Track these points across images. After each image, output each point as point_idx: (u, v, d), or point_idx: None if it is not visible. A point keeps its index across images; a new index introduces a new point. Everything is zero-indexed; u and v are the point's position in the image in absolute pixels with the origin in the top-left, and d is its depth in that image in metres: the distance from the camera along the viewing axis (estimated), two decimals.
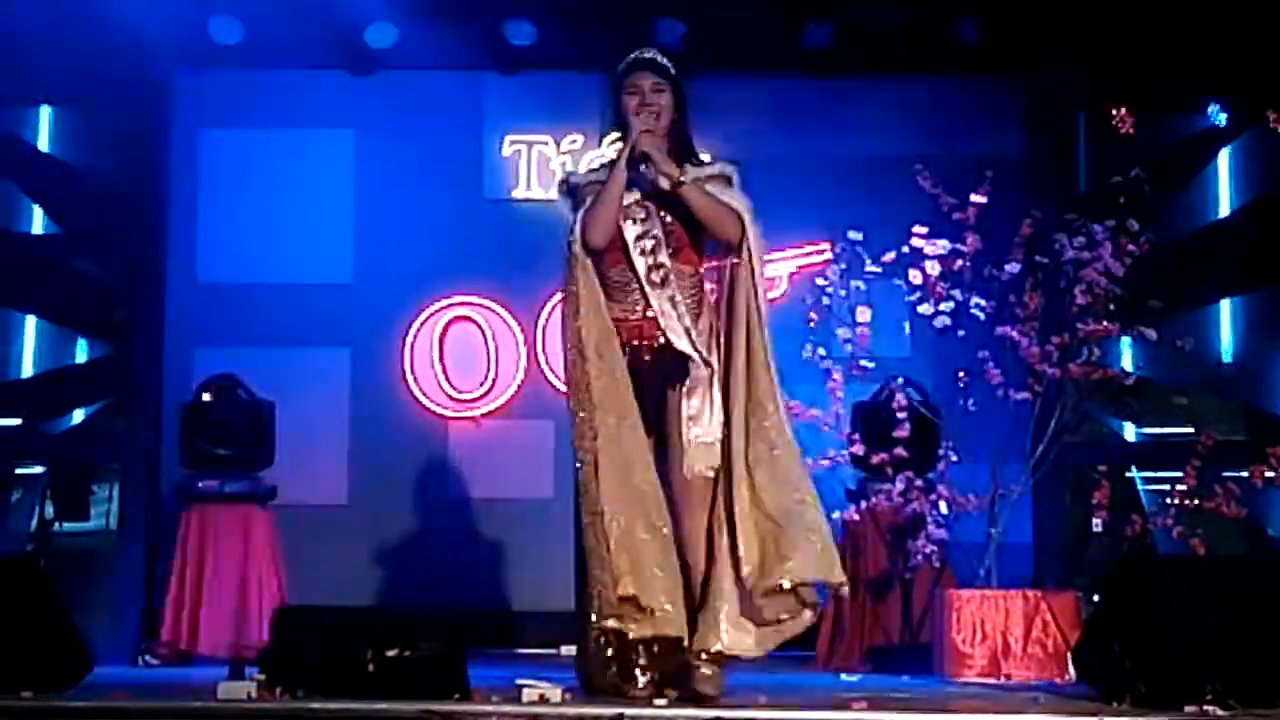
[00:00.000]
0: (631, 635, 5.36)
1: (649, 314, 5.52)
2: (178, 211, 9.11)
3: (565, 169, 8.72)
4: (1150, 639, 5.20)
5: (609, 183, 5.52)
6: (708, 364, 5.51)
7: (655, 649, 5.41)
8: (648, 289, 5.52)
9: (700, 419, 5.52)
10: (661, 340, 5.53)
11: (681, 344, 5.50)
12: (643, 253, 5.53)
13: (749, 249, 5.54)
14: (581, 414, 5.47)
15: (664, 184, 5.53)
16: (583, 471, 5.45)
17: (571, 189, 5.71)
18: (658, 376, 5.54)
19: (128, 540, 8.86)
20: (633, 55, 5.69)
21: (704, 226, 5.57)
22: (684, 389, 5.53)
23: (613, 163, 5.61)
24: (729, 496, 5.47)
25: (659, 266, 5.53)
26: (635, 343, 5.53)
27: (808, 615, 5.49)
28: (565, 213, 5.69)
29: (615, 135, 5.75)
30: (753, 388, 5.50)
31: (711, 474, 5.51)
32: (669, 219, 5.58)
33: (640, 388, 5.51)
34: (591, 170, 5.88)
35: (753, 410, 5.50)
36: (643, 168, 5.57)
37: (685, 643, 5.40)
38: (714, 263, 5.70)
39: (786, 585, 5.35)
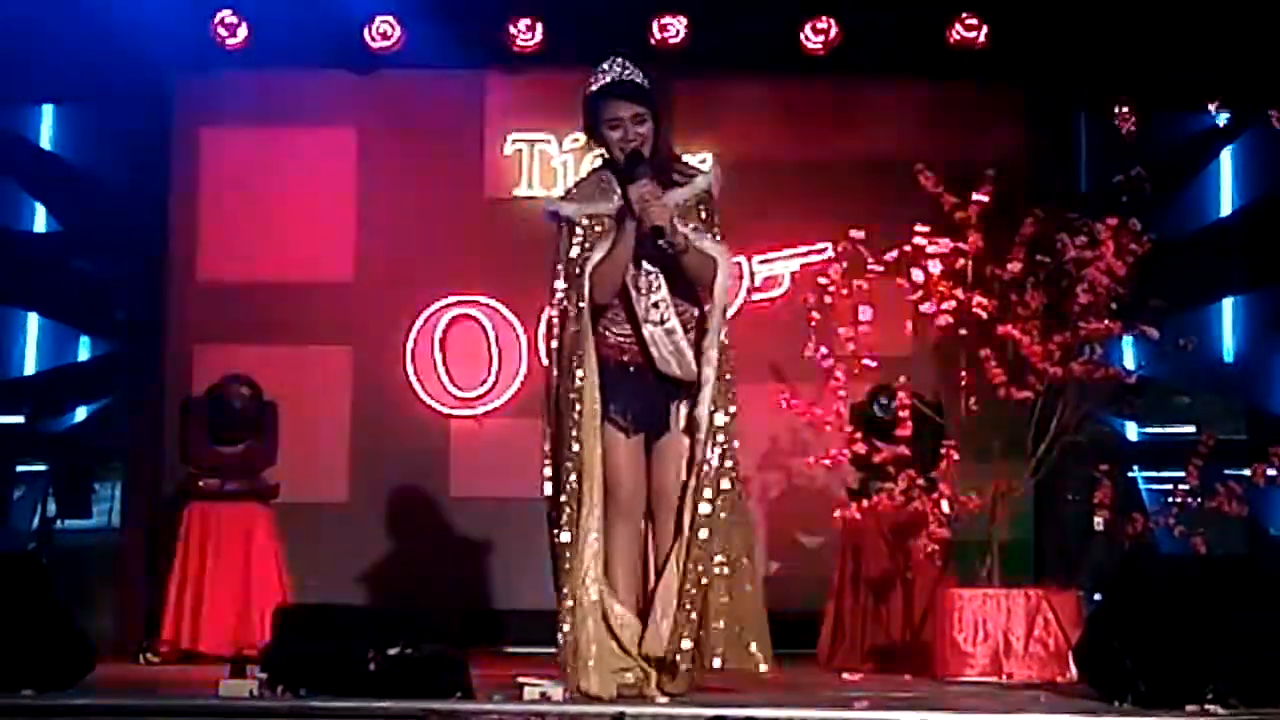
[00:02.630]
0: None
1: (644, 345, 5.49)
2: (180, 210, 9.11)
3: (565, 170, 8.73)
4: (1152, 638, 5.20)
5: (618, 245, 5.41)
6: (703, 383, 5.50)
7: None
8: (644, 327, 5.47)
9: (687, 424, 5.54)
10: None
11: (674, 373, 5.49)
12: (641, 292, 5.47)
13: (715, 292, 5.48)
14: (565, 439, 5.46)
15: (677, 247, 5.38)
16: (561, 498, 5.47)
17: (560, 220, 5.59)
18: (657, 391, 5.54)
19: (129, 538, 8.86)
20: (605, 79, 5.49)
21: (689, 279, 5.48)
22: (680, 397, 5.54)
23: (597, 172, 5.57)
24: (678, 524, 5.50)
25: (657, 305, 5.48)
26: (639, 362, 5.51)
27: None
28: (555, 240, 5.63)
29: (600, 152, 5.63)
30: (708, 427, 5.47)
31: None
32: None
33: (640, 402, 5.52)
34: (577, 194, 5.67)
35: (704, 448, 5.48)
36: (658, 242, 5.37)
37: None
38: None
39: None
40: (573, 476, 5.43)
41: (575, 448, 5.42)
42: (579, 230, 5.53)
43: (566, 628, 5.39)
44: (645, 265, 5.48)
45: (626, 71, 5.50)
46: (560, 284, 5.57)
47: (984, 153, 8.01)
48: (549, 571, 5.60)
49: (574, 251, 5.53)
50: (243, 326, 8.92)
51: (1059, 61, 8.68)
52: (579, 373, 5.43)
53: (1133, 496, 8.33)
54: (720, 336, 5.49)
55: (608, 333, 5.52)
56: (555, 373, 5.58)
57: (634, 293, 5.48)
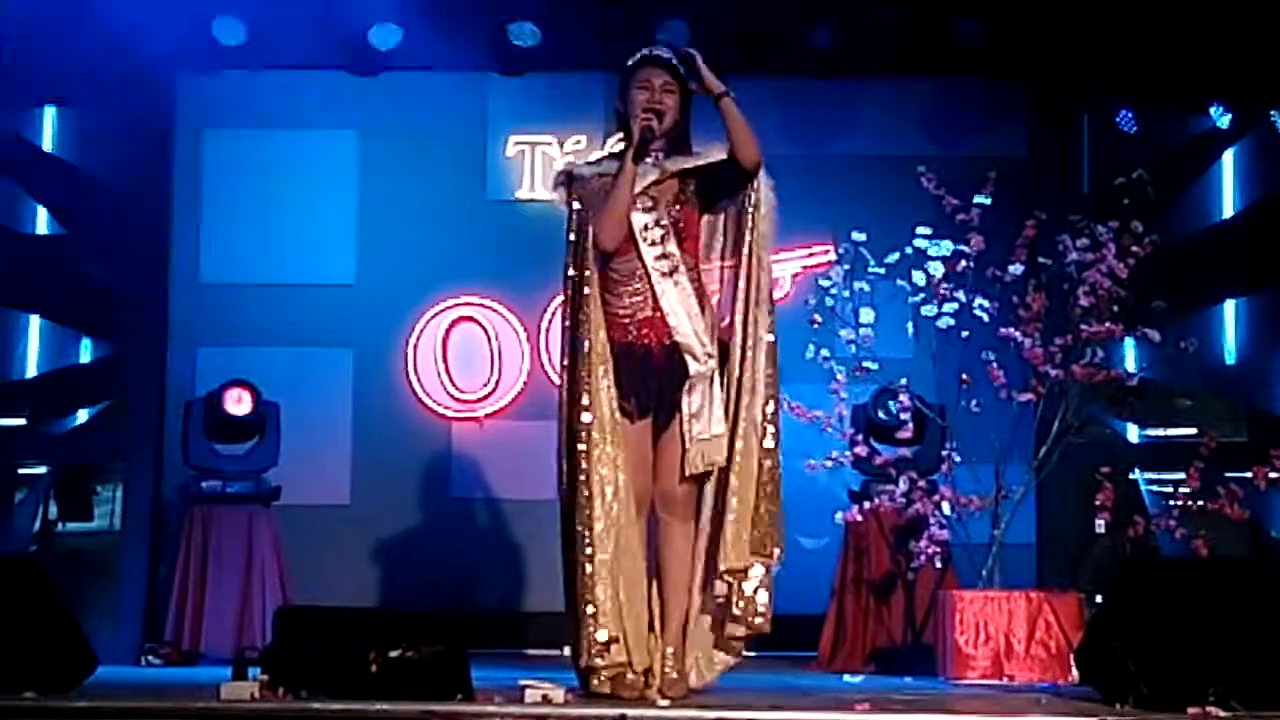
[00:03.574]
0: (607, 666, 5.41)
1: (657, 310, 5.50)
2: (181, 212, 9.11)
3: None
4: (1153, 640, 5.20)
5: (619, 182, 5.47)
6: (710, 356, 5.51)
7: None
8: (655, 279, 5.50)
9: (701, 416, 5.51)
10: (669, 339, 5.52)
11: (685, 335, 5.49)
12: (650, 243, 5.51)
13: (757, 194, 5.55)
14: (577, 427, 5.49)
15: (712, 90, 5.51)
16: (576, 487, 5.49)
17: (572, 180, 5.65)
18: (665, 375, 5.53)
19: (131, 540, 8.85)
20: (645, 51, 5.67)
21: (732, 143, 5.52)
22: (687, 386, 5.53)
23: (619, 154, 5.57)
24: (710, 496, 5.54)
25: (666, 256, 5.51)
26: (646, 341, 5.52)
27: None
28: (560, 204, 5.67)
29: (620, 136, 5.70)
30: (752, 373, 5.52)
31: (712, 469, 5.52)
32: (676, 208, 5.56)
33: (648, 386, 5.51)
34: (592, 162, 5.78)
35: (747, 401, 5.52)
36: (694, 81, 5.53)
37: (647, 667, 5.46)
38: (714, 264, 5.70)
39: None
40: (586, 462, 5.46)
41: (588, 417, 5.45)
42: (586, 188, 5.59)
43: (596, 631, 5.39)
44: (652, 217, 5.51)
45: (665, 50, 5.71)
46: (571, 256, 5.59)
47: (986, 154, 8.01)
48: (559, 568, 5.62)
49: (580, 206, 5.58)
50: (244, 328, 8.93)
51: (1061, 63, 8.68)
52: (590, 330, 5.45)
53: (1134, 499, 8.33)
54: (770, 288, 5.60)
55: (613, 310, 5.52)
56: (567, 351, 5.59)
57: (642, 243, 5.50)
